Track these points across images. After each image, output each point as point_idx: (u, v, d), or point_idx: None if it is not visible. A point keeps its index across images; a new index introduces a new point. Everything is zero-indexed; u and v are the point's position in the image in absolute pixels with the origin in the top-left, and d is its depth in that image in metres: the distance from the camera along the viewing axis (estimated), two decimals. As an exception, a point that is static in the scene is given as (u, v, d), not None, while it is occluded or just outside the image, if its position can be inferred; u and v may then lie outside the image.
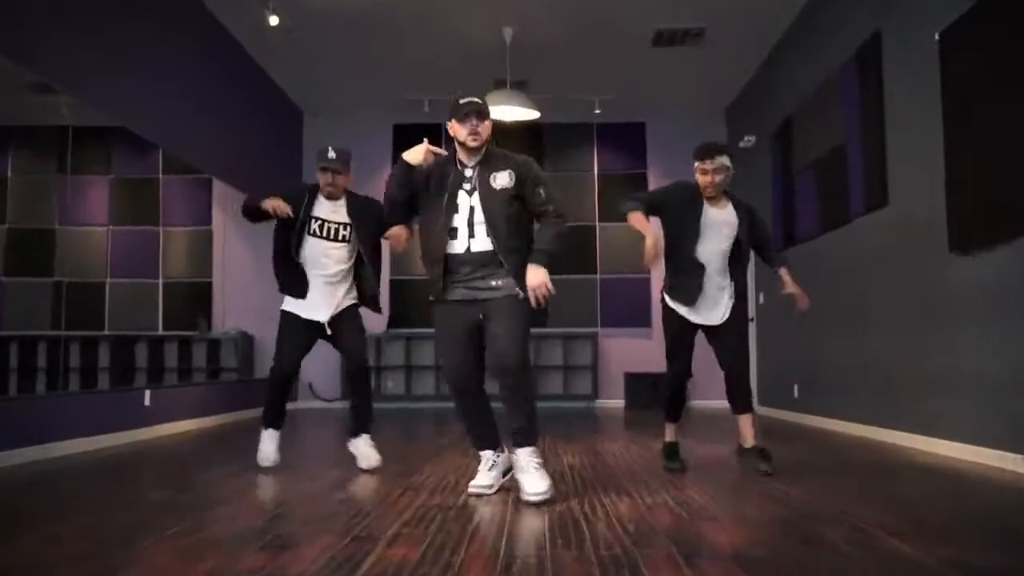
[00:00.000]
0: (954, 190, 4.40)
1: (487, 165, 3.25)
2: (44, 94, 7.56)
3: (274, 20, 6.60)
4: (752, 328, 8.46)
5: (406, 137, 9.79)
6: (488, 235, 3.10)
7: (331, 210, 4.06)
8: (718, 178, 3.76)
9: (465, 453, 4.57)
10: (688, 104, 9.31)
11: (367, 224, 4.08)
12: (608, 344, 9.40)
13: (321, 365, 9.44)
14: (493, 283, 3.09)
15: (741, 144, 8.48)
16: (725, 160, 3.79)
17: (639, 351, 9.17)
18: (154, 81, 6.13)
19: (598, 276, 9.49)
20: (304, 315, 3.96)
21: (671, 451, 3.94)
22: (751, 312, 8.48)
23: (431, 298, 3.20)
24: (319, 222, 4.03)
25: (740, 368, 3.76)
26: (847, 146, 5.87)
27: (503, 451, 3.27)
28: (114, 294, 9.85)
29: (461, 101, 3.27)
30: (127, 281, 9.69)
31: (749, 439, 3.76)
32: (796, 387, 7.09)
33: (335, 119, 9.74)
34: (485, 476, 3.22)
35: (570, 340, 9.34)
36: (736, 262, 3.84)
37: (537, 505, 2.93)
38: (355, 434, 4.01)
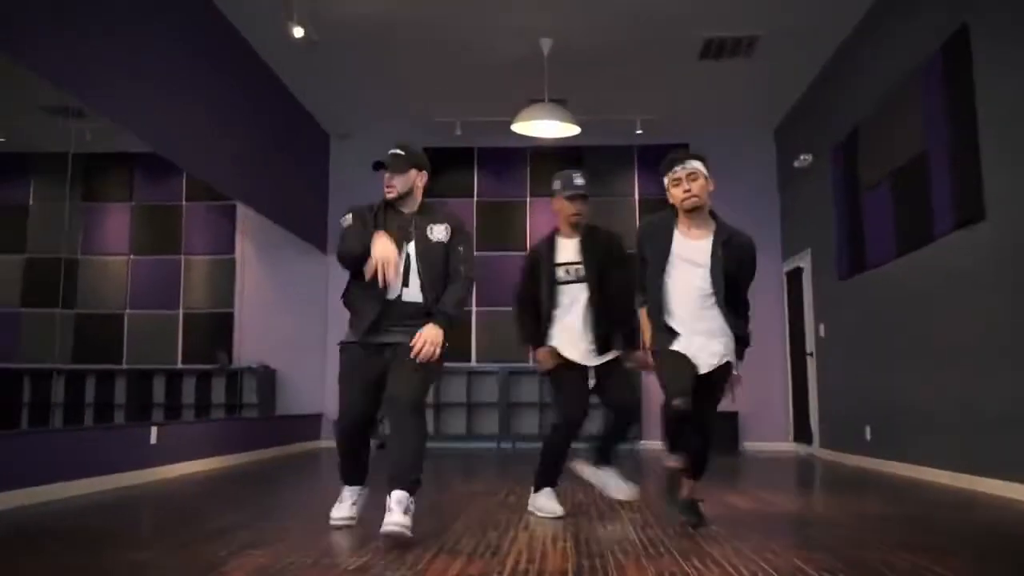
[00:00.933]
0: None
1: (424, 216, 3.25)
2: (66, 118, 7.23)
3: (298, 32, 6.16)
4: (811, 363, 7.77)
5: (437, 160, 9.34)
6: (421, 287, 3.11)
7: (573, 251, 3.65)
8: (694, 185, 3.15)
9: (503, 503, 3.96)
10: (734, 124, 8.75)
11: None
12: (652, 382, 8.72)
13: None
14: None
15: (796, 164, 7.88)
16: (698, 164, 3.20)
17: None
18: (180, 103, 5.81)
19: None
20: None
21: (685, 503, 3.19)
22: (809, 346, 7.80)
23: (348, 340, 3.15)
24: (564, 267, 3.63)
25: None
26: (929, 154, 5.25)
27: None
28: (133, 326, 9.43)
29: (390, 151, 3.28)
30: (146, 312, 9.26)
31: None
32: (868, 428, 6.36)
33: (363, 142, 9.29)
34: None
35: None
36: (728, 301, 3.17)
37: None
38: None
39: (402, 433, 2.95)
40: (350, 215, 3.26)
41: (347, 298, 3.22)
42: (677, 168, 3.19)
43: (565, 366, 3.53)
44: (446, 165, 9.26)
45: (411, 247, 3.13)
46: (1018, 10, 4.25)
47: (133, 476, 5.01)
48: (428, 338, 2.98)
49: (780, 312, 8.56)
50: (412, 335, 3.00)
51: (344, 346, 3.16)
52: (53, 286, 9.22)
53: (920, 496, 4.50)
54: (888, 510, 3.93)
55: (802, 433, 8.08)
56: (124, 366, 9.22)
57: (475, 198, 9.23)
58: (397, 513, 2.80)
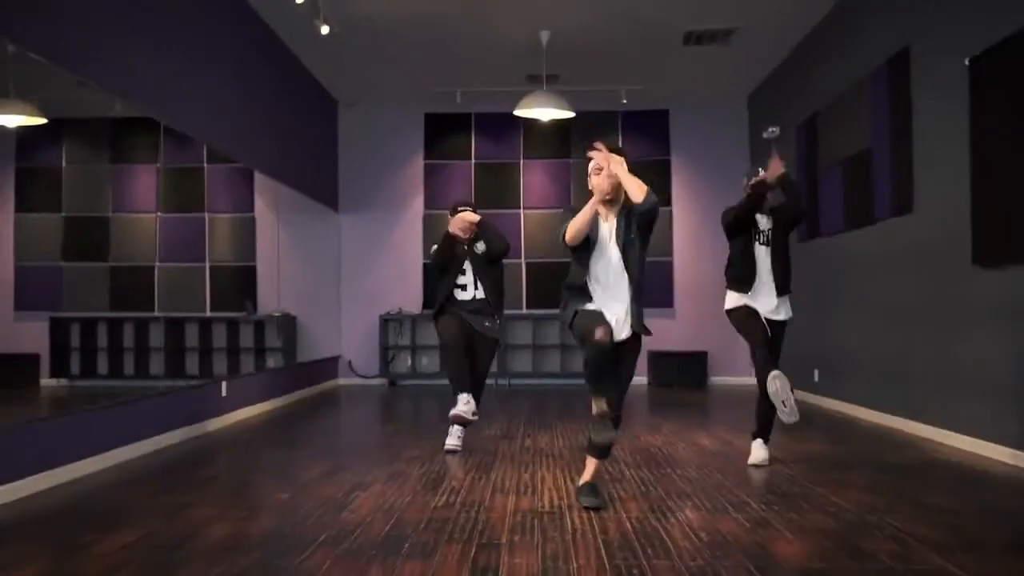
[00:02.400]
0: (980, 208, 4.79)
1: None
2: (95, 90, 7.96)
3: (325, 29, 6.91)
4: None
5: (437, 126, 10.21)
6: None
7: None
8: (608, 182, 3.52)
9: (523, 447, 5.07)
10: (712, 93, 9.63)
11: None
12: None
13: (357, 343, 10.00)
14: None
15: (765, 135, 8.78)
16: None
17: (663, 330, 9.62)
18: (192, 76, 6.31)
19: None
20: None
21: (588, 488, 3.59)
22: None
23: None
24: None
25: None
26: (873, 150, 6.26)
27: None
28: (164, 277, 10.33)
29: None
30: (175, 265, 10.16)
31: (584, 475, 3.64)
32: (816, 371, 7.58)
33: (368, 109, 10.09)
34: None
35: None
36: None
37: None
38: None
39: None
40: (436, 245, 5.18)
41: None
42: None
43: None
44: (446, 130, 10.11)
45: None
46: (951, 41, 5.17)
47: (209, 424, 6.09)
48: None
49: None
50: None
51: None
52: (89, 242, 10.08)
53: (851, 433, 5.70)
54: (822, 448, 5.10)
55: (763, 371, 9.32)
56: (158, 314, 10.17)
57: (472, 160, 10.11)
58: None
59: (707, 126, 9.93)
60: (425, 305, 9.89)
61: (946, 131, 5.18)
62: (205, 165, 10.26)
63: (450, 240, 5.04)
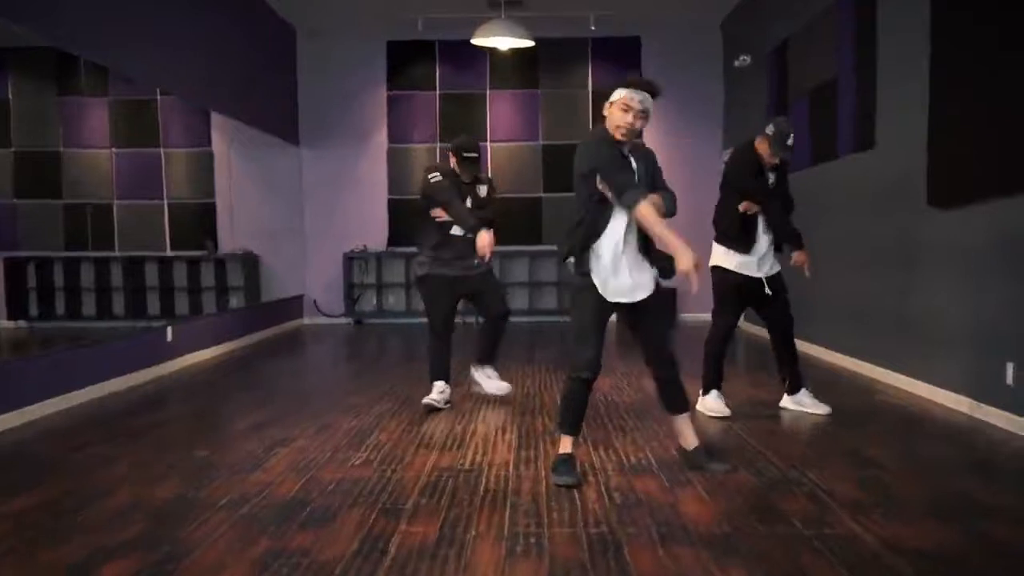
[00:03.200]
0: (935, 143, 4.59)
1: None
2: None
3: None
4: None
5: (400, 55, 9.81)
6: None
7: None
8: (639, 122, 3.15)
9: (468, 393, 4.97)
10: (684, 17, 9.25)
11: None
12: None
13: (322, 281, 9.84)
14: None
15: (736, 64, 8.52)
16: (651, 103, 3.18)
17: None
18: (131, 11, 5.86)
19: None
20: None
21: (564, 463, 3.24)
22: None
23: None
24: None
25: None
26: (839, 80, 6.00)
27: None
28: (122, 215, 10.09)
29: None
30: (133, 203, 9.90)
31: (690, 440, 3.39)
32: (780, 309, 7.46)
33: (329, 38, 9.67)
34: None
35: (546, 257, 9.62)
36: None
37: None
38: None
39: None
40: (439, 174, 4.49)
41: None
42: (635, 93, 3.12)
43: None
44: (409, 59, 9.73)
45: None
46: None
47: (157, 370, 5.96)
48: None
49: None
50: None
51: None
52: (42, 178, 9.79)
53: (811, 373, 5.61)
54: (772, 395, 5.01)
55: (731, 307, 9.23)
56: (118, 253, 9.96)
57: (437, 91, 9.75)
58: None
59: (680, 54, 9.57)
60: (391, 242, 9.70)
61: (908, 61, 4.93)
62: (158, 97, 9.88)
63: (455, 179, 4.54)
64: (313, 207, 9.90)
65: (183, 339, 6.48)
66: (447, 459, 3.54)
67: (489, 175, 5.68)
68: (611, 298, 3.17)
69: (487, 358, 4.82)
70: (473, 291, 4.65)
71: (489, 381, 4.82)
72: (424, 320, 4.75)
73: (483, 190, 4.67)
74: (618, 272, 3.17)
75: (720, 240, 4.41)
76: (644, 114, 3.13)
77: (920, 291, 4.87)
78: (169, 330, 6.28)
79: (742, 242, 4.28)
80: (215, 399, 5.24)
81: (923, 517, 2.76)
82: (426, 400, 4.53)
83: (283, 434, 4.02)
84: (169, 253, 9.92)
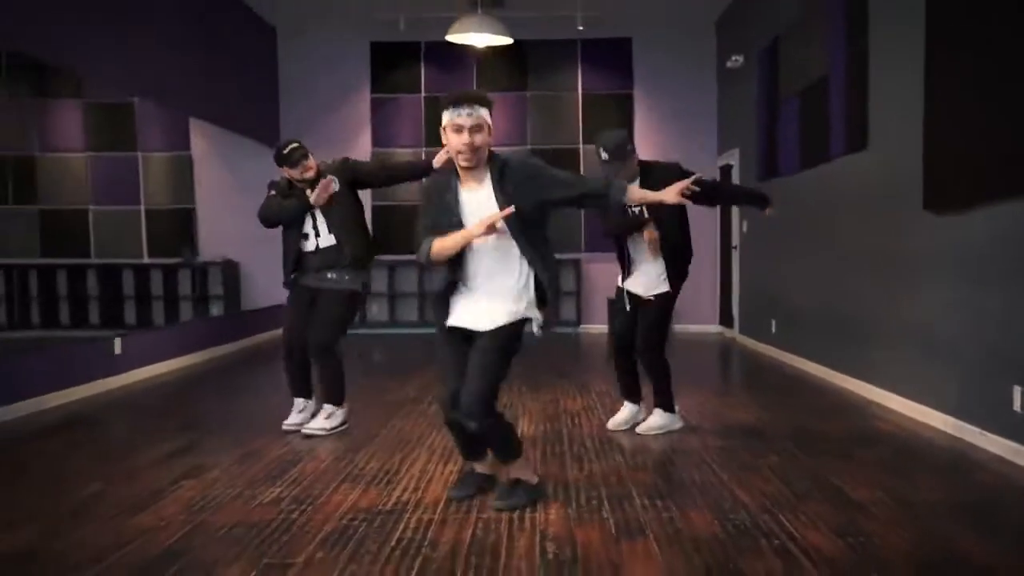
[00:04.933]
0: (932, 145, 4.15)
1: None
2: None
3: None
4: (735, 256, 8.32)
5: (384, 56, 9.43)
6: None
7: None
8: (477, 138, 2.77)
9: (424, 413, 4.55)
10: (677, 17, 8.83)
11: None
12: (592, 270, 9.29)
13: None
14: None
15: (728, 64, 8.08)
16: (485, 113, 2.80)
17: (616, 278, 9.05)
18: (107, 18, 5.69)
19: (583, 200, 9.28)
20: None
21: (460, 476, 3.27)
22: (735, 240, 8.31)
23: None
24: None
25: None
26: (830, 79, 5.55)
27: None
28: (98, 221, 9.76)
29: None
30: (110, 209, 9.57)
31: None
32: (774, 322, 7.00)
33: (310, 37, 9.33)
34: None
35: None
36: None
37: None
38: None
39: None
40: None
41: None
42: (463, 108, 2.76)
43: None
44: (393, 61, 9.37)
45: None
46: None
47: (99, 385, 5.58)
48: None
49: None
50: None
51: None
52: (17, 183, 9.49)
53: (794, 396, 5.15)
54: (753, 417, 4.56)
55: (726, 318, 8.77)
56: (93, 260, 9.63)
57: (422, 93, 9.37)
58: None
59: (673, 56, 9.15)
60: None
61: (902, 57, 4.49)
62: (135, 100, 9.57)
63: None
64: (293, 214, 9.48)
65: (132, 352, 6.09)
66: (369, 497, 3.11)
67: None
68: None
69: None
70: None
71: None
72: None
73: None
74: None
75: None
76: (479, 128, 2.78)
77: (917, 302, 4.40)
78: (117, 341, 5.90)
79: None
80: (147, 419, 4.82)
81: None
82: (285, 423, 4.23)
83: (199, 461, 3.61)
84: (146, 260, 9.58)
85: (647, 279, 4.13)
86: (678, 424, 4.21)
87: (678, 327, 8.93)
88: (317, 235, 4.15)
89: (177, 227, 9.63)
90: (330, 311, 4.12)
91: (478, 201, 2.87)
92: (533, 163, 2.97)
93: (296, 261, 4.20)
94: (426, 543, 2.62)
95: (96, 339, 5.98)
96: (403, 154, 9.15)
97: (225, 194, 9.48)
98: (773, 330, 7.01)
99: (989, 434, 3.70)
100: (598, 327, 9.21)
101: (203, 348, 7.34)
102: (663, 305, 4.10)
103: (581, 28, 8.54)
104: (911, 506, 2.98)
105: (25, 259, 9.49)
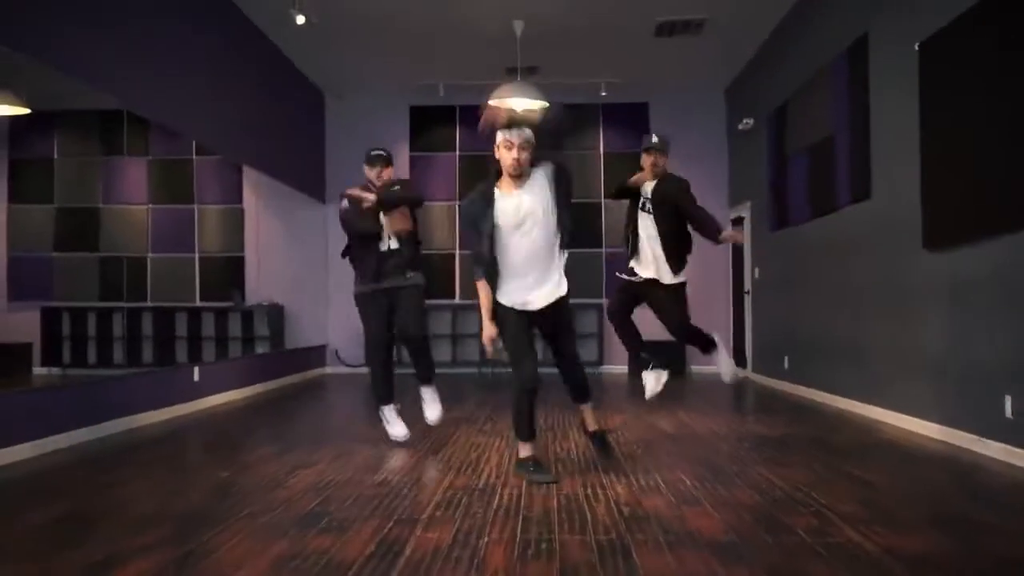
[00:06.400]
0: (928, 192, 4.82)
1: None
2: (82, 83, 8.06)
3: (300, 19, 6.96)
4: (747, 300, 8.97)
5: (422, 118, 10.26)
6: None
7: None
8: (523, 156, 3.57)
9: (481, 429, 5.13)
10: (689, 85, 9.68)
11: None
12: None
13: (345, 332, 10.07)
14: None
15: (740, 127, 8.86)
16: (530, 135, 3.60)
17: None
18: (180, 74, 6.34)
19: (603, 250, 9.99)
20: None
21: (534, 465, 3.75)
22: (747, 286, 8.97)
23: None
24: None
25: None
26: (835, 137, 6.27)
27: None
28: (155, 268, 10.49)
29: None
30: (166, 256, 10.30)
31: (591, 423, 4.06)
32: (787, 358, 7.61)
33: (355, 101, 10.17)
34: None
35: (578, 309, 9.84)
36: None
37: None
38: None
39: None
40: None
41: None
42: (513, 132, 3.55)
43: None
44: (431, 122, 10.19)
45: None
46: (907, 26, 5.14)
47: (182, 407, 6.19)
48: None
49: (726, 254, 9.68)
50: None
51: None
52: (81, 233, 10.23)
53: (808, 417, 5.73)
54: (774, 430, 5.14)
55: (739, 359, 9.36)
56: (150, 304, 10.31)
57: (457, 152, 10.17)
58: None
59: (686, 119, 9.96)
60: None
61: (900, 116, 5.20)
62: (194, 157, 10.39)
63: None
64: (337, 260, 10.07)
65: (206, 381, 6.71)
66: (462, 480, 3.69)
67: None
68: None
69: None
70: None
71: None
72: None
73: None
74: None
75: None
76: (527, 144, 3.55)
77: (915, 329, 5.02)
78: (196, 370, 6.53)
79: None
80: (236, 433, 5.40)
81: (922, 530, 2.87)
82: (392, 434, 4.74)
83: (302, 459, 4.20)
84: (198, 304, 10.26)
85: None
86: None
87: (695, 368, 9.55)
88: (390, 238, 4.70)
89: (227, 273, 10.34)
90: (420, 304, 4.76)
91: (515, 205, 3.60)
92: (569, 176, 3.76)
93: (377, 266, 4.67)
94: (522, 507, 3.20)
95: (179, 368, 6.61)
96: (439, 207, 9.92)
97: (273, 242, 10.20)
98: (786, 365, 7.61)
99: (986, 440, 4.26)
100: (619, 368, 9.81)
101: (256, 382, 7.96)
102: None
103: (604, 94, 9.36)
104: (918, 485, 3.58)
105: (85, 302, 10.17)
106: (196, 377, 6.51)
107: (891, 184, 5.39)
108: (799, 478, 3.69)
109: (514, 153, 3.52)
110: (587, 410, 4.05)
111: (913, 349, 5.08)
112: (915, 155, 4.95)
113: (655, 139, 4.98)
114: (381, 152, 4.91)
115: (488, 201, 3.62)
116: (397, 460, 4.19)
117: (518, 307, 3.67)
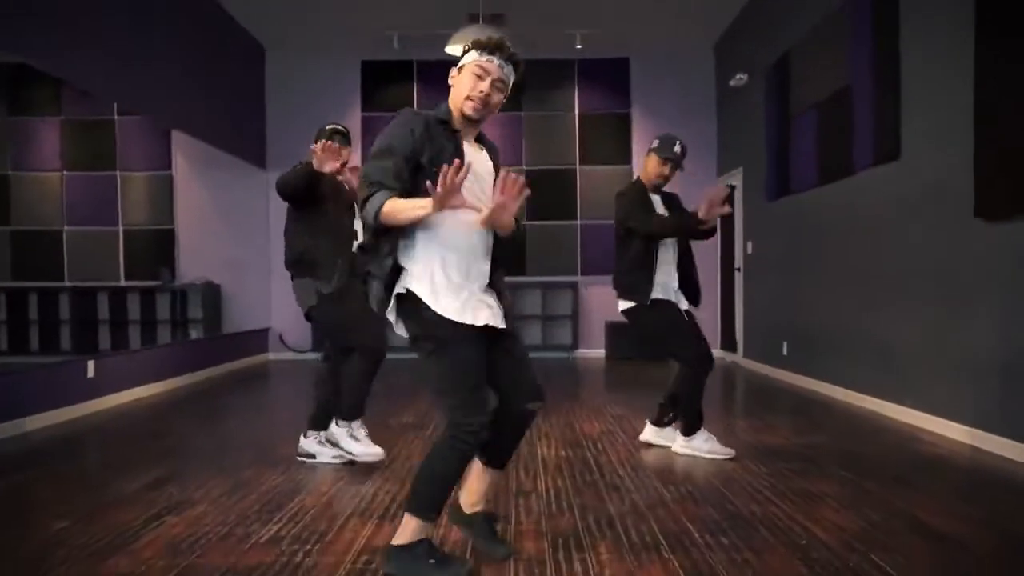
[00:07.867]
0: (985, 145, 3.88)
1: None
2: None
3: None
4: (738, 278, 8.03)
5: (375, 75, 9.14)
6: None
7: None
8: (495, 96, 2.33)
9: (429, 441, 4.13)
10: (675, 38, 8.64)
11: None
12: (589, 293, 8.96)
13: (290, 314, 8.99)
14: None
15: (732, 83, 7.87)
16: (511, 75, 2.34)
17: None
18: (93, 25, 5.40)
19: (579, 222, 8.99)
20: None
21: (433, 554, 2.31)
22: (738, 262, 8.03)
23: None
24: None
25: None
26: (853, 88, 5.31)
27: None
28: (72, 242, 9.28)
29: None
30: (85, 229, 9.11)
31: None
32: (785, 345, 6.69)
33: (300, 55, 9.03)
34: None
35: (550, 289, 8.90)
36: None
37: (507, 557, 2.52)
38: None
39: None
40: None
41: None
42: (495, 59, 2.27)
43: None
44: (385, 80, 9.08)
45: None
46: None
47: (73, 410, 5.11)
48: None
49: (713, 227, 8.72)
50: None
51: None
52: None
53: (822, 419, 4.80)
54: (789, 441, 4.20)
55: (728, 342, 8.45)
56: (67, 283, 9.14)
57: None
58: None
59: (671, 77, 8.96)
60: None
61: (943, 61, 4.24)
62: (116, 118, 9.15)
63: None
64: (280, 235, 9.09)
65: (106, 376, 5.62)
66: (384, 534, 2.68)
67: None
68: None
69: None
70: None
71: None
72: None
73: None
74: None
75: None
76: (501, 87, 2.32)
77: (964, 322, 4.09)
78: (90, 364, 5.44)
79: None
80: (122, 447, 4.34)
81: None
82: (360, 454, 3.68)
83: (182, 495, 3.18)
84: (123, 283, 9.10)
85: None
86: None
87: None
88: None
89: (155, 248, 9.18)
90: None
91: (480, 161, 2.37)
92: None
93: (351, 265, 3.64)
94: (462, 587, 2.22)
95: (68, 362, 5.50)
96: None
97: (207, 214, 9.08)
98: (784, 352, 6.69)
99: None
100: (595, 352, 8.89)
101: (182, 372, 6.87)
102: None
103: (580, 47, 8.31)
104: (1004, 535, 2.63)
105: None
106: (91, 372, 5.42)
107: (928, 140, 4.44)
108: (846, 525, 2.75)
109: (484, 86, 2.30)
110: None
111: (961, 342, 4.15)
112: (962, 104, 4.00)
113: (678, 148, 3.93)
114: (339, 127, 3.80)
115: (432, 134, 2.29)
116: (305, 498, 3.17)
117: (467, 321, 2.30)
